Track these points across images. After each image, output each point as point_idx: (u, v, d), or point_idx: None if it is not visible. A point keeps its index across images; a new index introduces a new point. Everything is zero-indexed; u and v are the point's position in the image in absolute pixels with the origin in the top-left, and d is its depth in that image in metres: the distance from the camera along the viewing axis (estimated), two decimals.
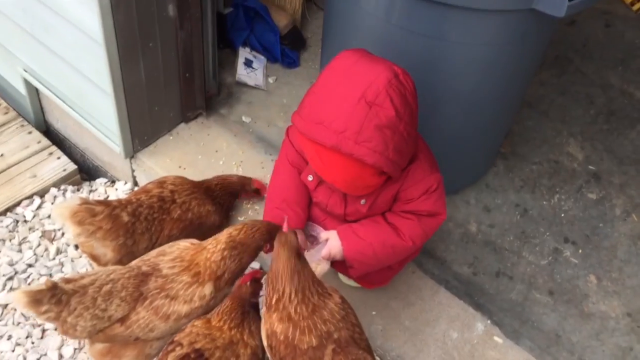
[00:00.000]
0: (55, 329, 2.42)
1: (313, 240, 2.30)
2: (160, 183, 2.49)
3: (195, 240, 2.21)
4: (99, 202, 2.30)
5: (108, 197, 3.08)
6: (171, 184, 2.49)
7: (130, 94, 2.70)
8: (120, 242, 2.29)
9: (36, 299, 1.91)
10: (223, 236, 2.16)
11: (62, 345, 2.47)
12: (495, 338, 2.46)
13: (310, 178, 2.24)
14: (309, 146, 1.98)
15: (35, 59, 3.03)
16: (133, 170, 3.04)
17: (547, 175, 3.14)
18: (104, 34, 2.44)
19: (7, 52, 3.19)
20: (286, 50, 3.49)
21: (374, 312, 2.50)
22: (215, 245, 2.14)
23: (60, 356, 2.45)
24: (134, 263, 2.16)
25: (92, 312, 1.99)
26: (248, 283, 2.14)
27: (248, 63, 3.37)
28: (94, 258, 2.32)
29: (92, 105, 2.89)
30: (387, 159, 1.88)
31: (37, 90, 3.27)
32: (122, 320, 2.05)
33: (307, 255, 2.14)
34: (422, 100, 1.99)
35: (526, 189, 3.06)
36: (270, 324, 1.95)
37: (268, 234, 2.20)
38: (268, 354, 2.00)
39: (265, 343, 1.98)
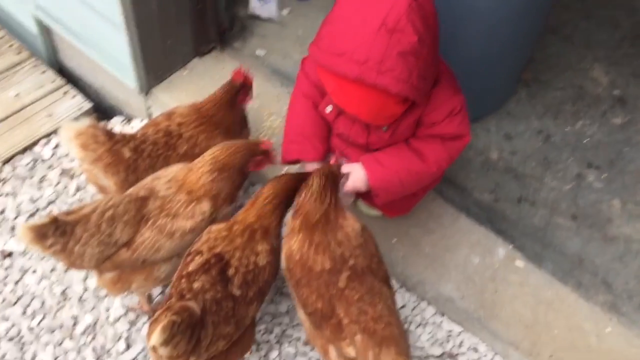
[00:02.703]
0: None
1: None
2: (169, 115, 2.42)
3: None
4: (105, 133, 2.25)
5: None
6: (179, 115, 2.40)
7: (142, 27, 2.65)
8: (122, 178, 2.26)
9: (41, 233, 1.91)
10: (207, 156, 2.15)
11: (86, 278, 2.51)
12: (517, 262, 2.44)
13: (328, 109, 2.19)
14: (329, 79, 1.92)
15: None
16: (148, 107, 3.02)
17: (571, 101, 3.06)
18: None
19: None
20: None
21: (394, 240, 2.49)
22: (201, 167, 2.14)
23: (85, 289, 2.49)
24: (130, 190, 2.15)
25: (99, 239, 2.00)
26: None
27: None
28: (101, 189, 2.34)
29: (104, 41, 2.85)
30: (411, 87, 1.82)
31: (49, 29, 3.23)
32: (128, 244, 2.06)
33: None
34: (440, 22, 1.92)
35: (549, 115, 2.99)
36: (289, 247, 1.96)
37: (248, 152, 2.18)
38: (287, 279, 2.01)
39: (283, 265, 1.99)
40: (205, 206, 2.12)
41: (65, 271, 2.53)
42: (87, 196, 2.76)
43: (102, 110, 3.33)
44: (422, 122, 2.10)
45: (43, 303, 2.45)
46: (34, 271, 2.54)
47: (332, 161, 2.16)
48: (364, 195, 2.28)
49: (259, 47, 3.14)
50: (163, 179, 2.16)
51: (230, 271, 1.94)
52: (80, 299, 2.45)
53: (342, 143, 2.27)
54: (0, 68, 3.24)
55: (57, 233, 1.94)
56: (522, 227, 2.58)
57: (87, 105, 3.13)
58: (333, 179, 2.03)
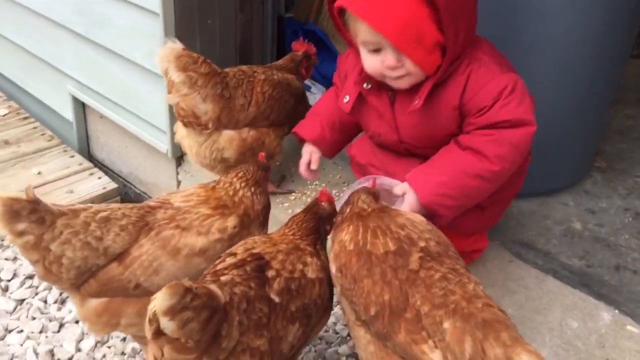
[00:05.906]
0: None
1: (386, 195, 1.86)
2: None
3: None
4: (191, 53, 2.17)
5: None
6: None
7: None
8: (219, 92, 2.17)
9: (13, 210, 1.48)
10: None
11: (81, 339, 2.01)
12: (629, 327, 1.90)
13: (345, 99, 1.93)
14: None
15: (85, 68, 2.89)
16: (179, 182, 2.73)
17: None
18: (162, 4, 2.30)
19: (56, 73, 3.07)
20: None
21: None
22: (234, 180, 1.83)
23: (78, 349, 1.98)
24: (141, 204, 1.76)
25: (84, 239, 1.56)
26: (326, 202, 1.75)
27: (307, 88, 3.16)
28: (195, 119, 2.18)
29: (141, 102, 2.68)
30: None
31: (84, 111, 3.11)
32: (121, 258, 1.60)
33: None
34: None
35: (633, 196, 2.61)
36: (339, 241, 1.53)
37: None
38: (337, 286, 1.53)
39: (333, 270, 1.52)
40: (230, 221, 1.72)
41: (58, 331, 2.05)
42: None
43: (128, 200, 3.07)
44: (468, 111, 1.74)
45: None
46: (21, 331, 2.06)
47: (370, 184, 1.79)
48: (434, 219, 1.81)
49: None
50: (180, 194, 1.79)
51: (270, 273, 1.49)
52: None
53: (383, 155, 1.97)
54: (28, 151, 3.07)
55: (32, 217, 1.50)
56: (627, 294, 2.06)
57: (113, 185, 2.87)
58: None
